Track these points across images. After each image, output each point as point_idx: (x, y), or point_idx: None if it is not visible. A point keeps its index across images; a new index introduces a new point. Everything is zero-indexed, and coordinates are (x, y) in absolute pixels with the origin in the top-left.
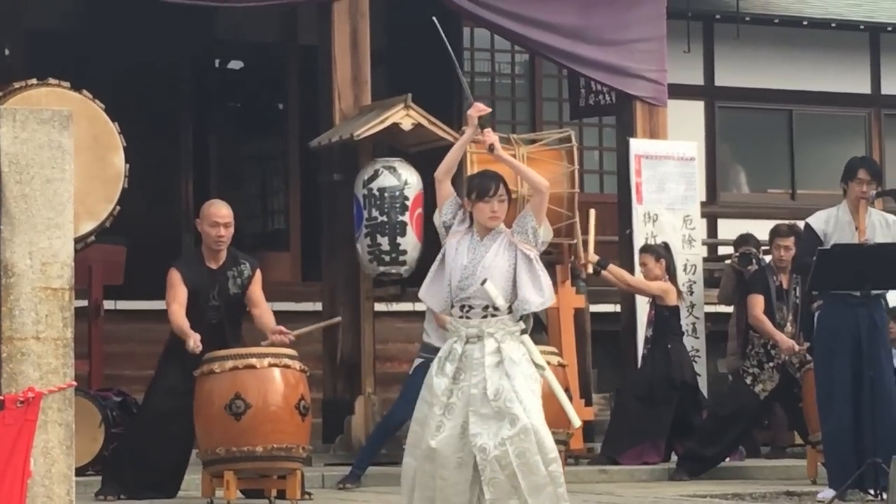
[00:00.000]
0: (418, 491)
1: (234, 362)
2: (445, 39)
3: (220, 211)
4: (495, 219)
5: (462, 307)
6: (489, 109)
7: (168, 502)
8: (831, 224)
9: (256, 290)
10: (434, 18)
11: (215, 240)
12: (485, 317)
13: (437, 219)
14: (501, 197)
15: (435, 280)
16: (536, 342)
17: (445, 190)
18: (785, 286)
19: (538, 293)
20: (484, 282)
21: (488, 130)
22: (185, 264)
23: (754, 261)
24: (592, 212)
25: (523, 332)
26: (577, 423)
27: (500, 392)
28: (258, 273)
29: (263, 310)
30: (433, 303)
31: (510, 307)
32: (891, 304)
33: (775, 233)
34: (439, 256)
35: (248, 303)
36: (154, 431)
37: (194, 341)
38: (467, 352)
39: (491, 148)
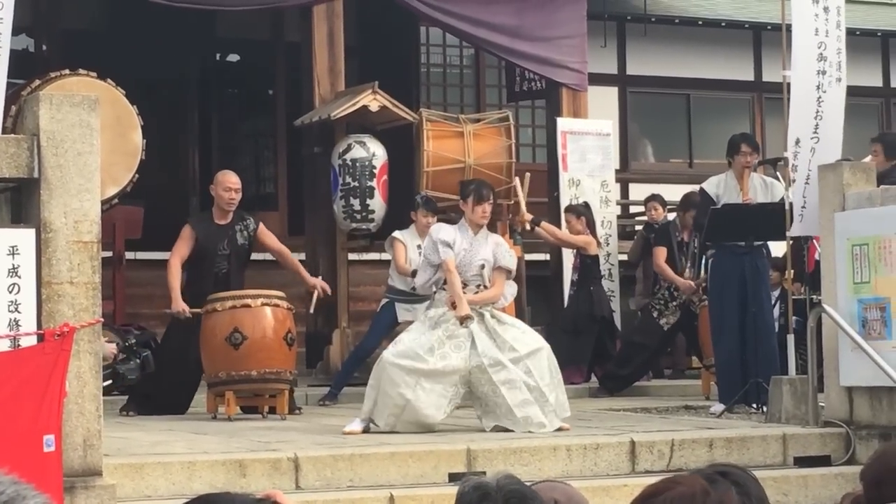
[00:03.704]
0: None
1: (233, 302)
2: None
3: (231, 178)
4: (486, 218)
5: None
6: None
7: (180, 418)
8: (721, 188)
9: (272, 240)
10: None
11: (227, 202)
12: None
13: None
14: (492, 202)
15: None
16: None
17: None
18: (686, 240)
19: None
20: (483, 267)
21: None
22: (197, 220)
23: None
24: (527, 175)
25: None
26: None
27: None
28: (262, 226)
29: (286, 253)
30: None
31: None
32: (773, 254)
33: (691, 203)
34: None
35: (273, 253)
36: (167, 363)
37: (182, 310)
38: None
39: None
